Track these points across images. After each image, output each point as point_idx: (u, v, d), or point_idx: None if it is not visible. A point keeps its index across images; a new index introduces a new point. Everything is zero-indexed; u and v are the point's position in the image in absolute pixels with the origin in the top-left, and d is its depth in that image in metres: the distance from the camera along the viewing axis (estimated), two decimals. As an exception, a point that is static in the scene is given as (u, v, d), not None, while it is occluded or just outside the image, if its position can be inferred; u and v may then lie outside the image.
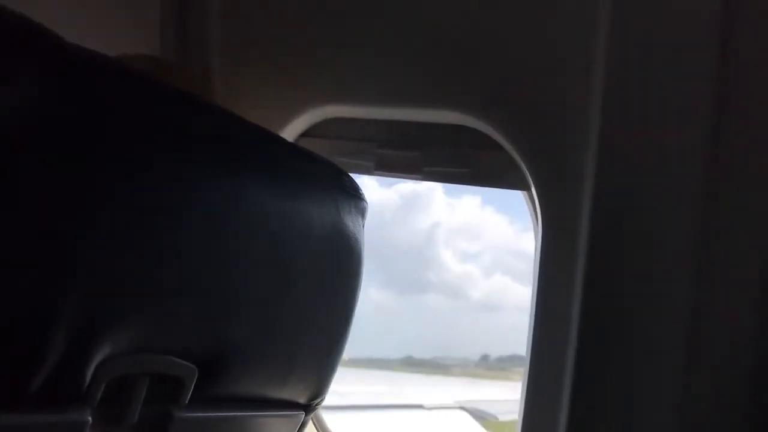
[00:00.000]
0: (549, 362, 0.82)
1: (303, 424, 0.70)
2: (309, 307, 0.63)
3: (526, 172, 0.85)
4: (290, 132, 0.94)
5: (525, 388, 0.84)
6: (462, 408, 3.70)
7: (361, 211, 0.68)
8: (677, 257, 0.76)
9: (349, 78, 0.91)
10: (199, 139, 0.52)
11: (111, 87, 0.47)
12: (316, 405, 0.69)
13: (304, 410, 0.68)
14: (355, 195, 0.67)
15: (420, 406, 3.62)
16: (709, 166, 0.74)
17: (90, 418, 0.49)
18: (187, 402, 0.56)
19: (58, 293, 0.44)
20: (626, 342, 0.77)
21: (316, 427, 1.08)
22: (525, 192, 0.90)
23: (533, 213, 0.89)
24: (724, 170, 0.74)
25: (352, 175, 0.70)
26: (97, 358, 0.48)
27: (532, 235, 0.88)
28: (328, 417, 1.07)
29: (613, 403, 0.78)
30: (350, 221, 0.66)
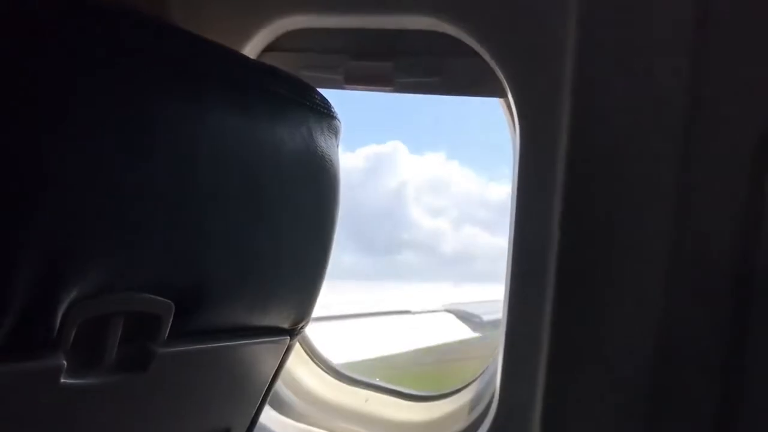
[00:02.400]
0: (529, 277, 0.80)
1: (289, 348, 0.69)
2: (285, 232, 0.61)
3: (503, 78, 0.81)
4: (253, 47, 0.89)
5: (505, 319, 0.83)
6: (448, 311, 3.78)
7: (335, 131, 0.65)
8: (658, 169, 0.74)
9: None
10: (160, 62, 0.49)
11: (68, 11, 0.43)
12: (301, 329, 0.69)
13: (289, 335, 0.67)
14: (326, 113, 0.64)
15: (407, 312, 3.69)
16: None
17: (65, 362, 0.48)
18: (166, 337, 0.54)
19: (20, 234, 0.42)
20: (607, 246, 0.77)
21: (303, 349, 1.08)
22: (501, 99, 0.87)
23: (510, 121, 0.87)
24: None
25: (321, 90, 0.66)
26: (65, 301, 0.46)
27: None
28: (317, 327, 1.06)
29: (594, 331, 0.77)
30: (323, 142, 0.63)
